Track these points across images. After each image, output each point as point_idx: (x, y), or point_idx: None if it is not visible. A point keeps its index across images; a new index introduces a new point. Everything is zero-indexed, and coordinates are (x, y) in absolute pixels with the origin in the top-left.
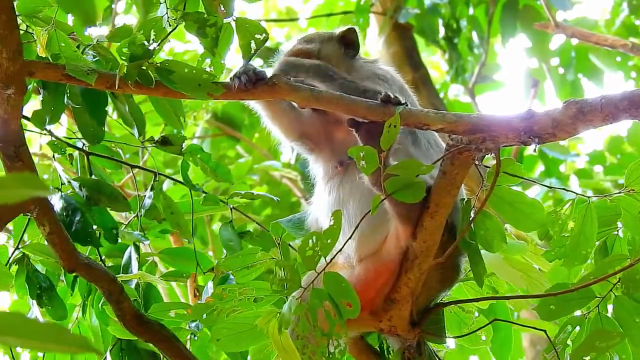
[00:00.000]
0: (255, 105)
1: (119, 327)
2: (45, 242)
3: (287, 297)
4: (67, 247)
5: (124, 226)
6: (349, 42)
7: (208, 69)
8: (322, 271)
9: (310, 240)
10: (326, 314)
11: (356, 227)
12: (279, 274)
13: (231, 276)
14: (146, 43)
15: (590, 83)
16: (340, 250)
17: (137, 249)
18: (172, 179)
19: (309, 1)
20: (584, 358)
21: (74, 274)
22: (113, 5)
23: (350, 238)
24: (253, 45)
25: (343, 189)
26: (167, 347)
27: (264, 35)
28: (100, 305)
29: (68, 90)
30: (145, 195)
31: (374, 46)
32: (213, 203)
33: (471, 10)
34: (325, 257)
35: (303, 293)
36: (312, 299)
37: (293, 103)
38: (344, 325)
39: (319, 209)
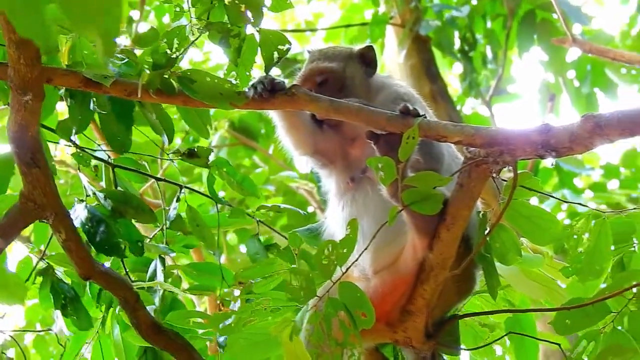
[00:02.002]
0: (273, 115)
1: (134, 335)
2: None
3: (302, 306)
4: (82, 254)
5: (149, 239)
6: (367, 60)
7: (233, 80)
8: (337, 280)
9: (327, 249)
10: (341, 324)
11: (372, 239)
12: (294, 283)
13: None
14: (169, 52)
15: (604, 96)
16: (356, 261)
17: (163, 261)
18: (198, 192)
19: (322, 15)
20: None
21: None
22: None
23: (365, 249)
24: (276, 55)
25: (356, 204)
26: (183, 356)
27: (287, 46)
28: (117, 311)
29: (95, 99)
30: (170, 207)
31: (392, 58)
32: (239, 216)
33: (489, 24)
34: (341, 267)
35: (318, 302)
36: (327, 308)
37: (309, 118)
38: (359, 335)
39: (333, 225)
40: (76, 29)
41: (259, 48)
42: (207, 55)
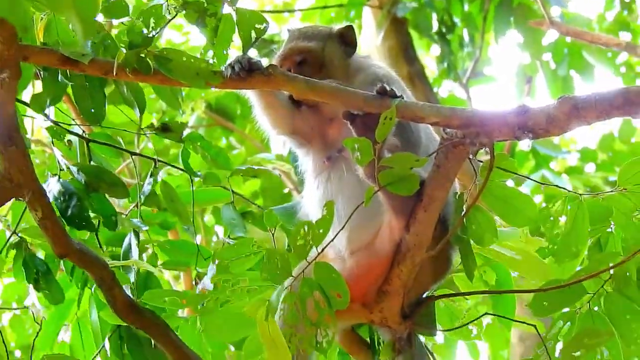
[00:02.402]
0: (250, 95)
1: (110, 313)
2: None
3: (278, 286)
4: (59, 232)
5: (125, 215)
6: (347, 40)
7: (211, 60)
8: (312, 261)
9: (302, 229)
10: (315, 304)
11: (348, 219)
12: (270, 263)
13: None
14: (145, 31)
15: (580, 78)
16: (331, 241)
17: (137, 235)
18: (172, 165)
19: None
20: (573, 354)
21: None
22: None
23: (341, 229)
24: (253, 35)
25: (331, 184)
26: (158, 334)
27: (264, 25)
28: (92, 289)
29: (68, 72)
30: (144, 183)
31: (370, 40)
32: (213, 182)
33: (466, 7)
34: (316, 247)
35: (293, 282)
36: (301, 288)
37: (287, 97)
38: (333, 315)
39: (308, 204)
40: (54, 11)
41: (236, 28)
42: (187, 35)
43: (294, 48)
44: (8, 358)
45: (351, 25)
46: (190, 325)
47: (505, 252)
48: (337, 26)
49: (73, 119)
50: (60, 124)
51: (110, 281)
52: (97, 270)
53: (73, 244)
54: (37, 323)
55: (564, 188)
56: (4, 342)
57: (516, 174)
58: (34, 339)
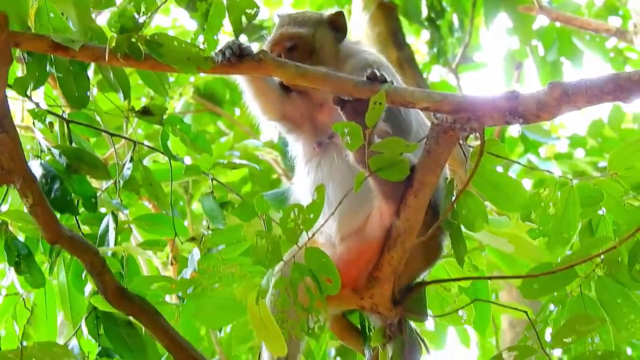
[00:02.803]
0: (240, 80)
1: (101, 299)
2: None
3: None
4: (50, 218)
5: (101, 192)
6: (337, 26)
7: (202, 45)
8: (303, 246)
9: (292, 213)
10: (306, 289)
11: (338, 205)
12: (260, 247)
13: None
14: (136, 16)
15: (569, 64)
16: (321, 227)
17: (115, 218)
18: (152, 148)
19: None
20: (564, 340)
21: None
22: None
23: (331, 215)
24: (244, 20)
25: (322, 170)
26: (149, 321)
27: (255, 10)
28: (83, 276)
29: (53, 57)
30: (124, 166)
31: (359, 26)
32: (195, 174)
33: None
34: (307, 232)
35: (284, 267)
36: (292, 273)
37: (277, 83)
38: (324, 300)
39: (299, 190)
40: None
41: (226, 13)
42: (174, 23)
43: (285, 34)
44: None
45: (341, 11)
46: (183, 312)
47: (496, 241)
48: (328, 12)
49: (54, 100)
50: (41, 106)
51: (101, 268)
52: (87, 256)
53: (64, 231)
54: (27, 309)
55: (553, 173)
56: None
57: (507, 159)
58: (24, 325)
